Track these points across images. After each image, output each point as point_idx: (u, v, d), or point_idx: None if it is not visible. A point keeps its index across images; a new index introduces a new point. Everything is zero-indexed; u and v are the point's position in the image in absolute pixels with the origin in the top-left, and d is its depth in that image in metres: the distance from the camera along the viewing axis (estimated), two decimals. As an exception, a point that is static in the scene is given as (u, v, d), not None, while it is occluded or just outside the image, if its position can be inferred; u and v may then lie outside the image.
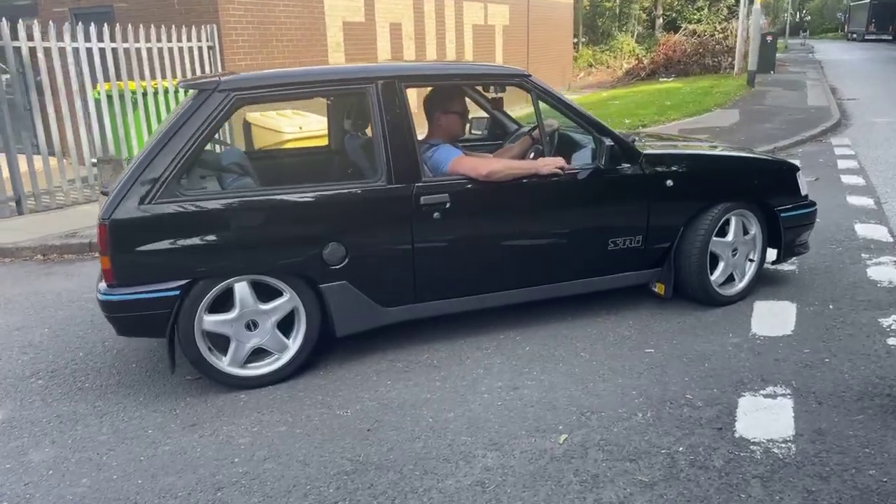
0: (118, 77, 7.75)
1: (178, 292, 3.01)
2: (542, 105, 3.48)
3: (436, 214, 3.28)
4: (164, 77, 8.25)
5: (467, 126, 3.67)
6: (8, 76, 7.11)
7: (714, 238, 3.77)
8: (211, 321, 3.10)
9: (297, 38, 10.15)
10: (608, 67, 24.50)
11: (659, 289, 3.85)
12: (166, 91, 8.26)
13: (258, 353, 3.25)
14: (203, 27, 8.81)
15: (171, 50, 8.43)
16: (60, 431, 2.95)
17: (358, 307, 3.29)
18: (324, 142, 4.74)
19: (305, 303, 3.20)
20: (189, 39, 8.69)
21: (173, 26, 8.40)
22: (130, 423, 2.99)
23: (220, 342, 3.18)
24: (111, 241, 2.94)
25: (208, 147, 4.29)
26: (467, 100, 4.08)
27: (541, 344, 3.55)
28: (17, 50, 6.92)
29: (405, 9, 12.39)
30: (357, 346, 3.56)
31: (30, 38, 6.93)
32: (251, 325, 3.17)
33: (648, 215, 3.66)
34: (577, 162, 3.66)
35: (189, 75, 8.45)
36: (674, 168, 3.70)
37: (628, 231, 3.66)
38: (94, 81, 7.58)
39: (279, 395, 3.16)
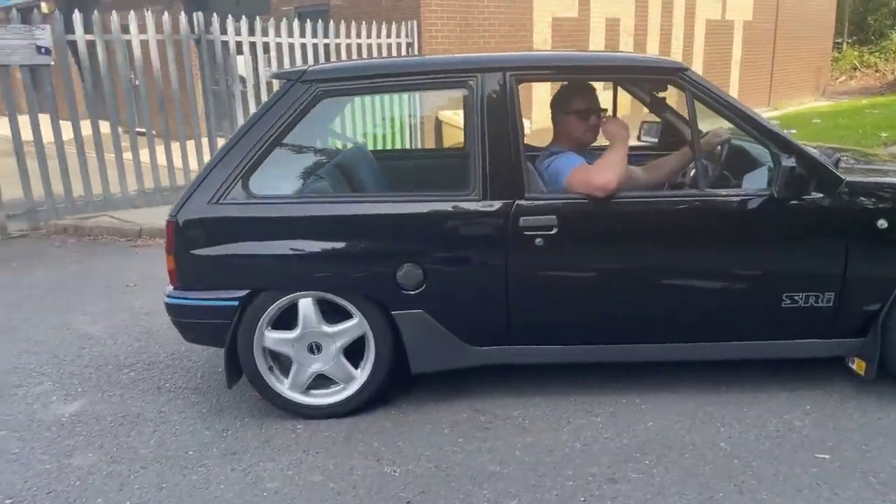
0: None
1: (236, 303, 2.71)
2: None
3: (538, 240, 2.62)
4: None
5: (593, 131, 2.93)
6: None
7: None
8: (272, 338, 2.76)
9: (500, 35, 9.75)
10: (877, 71, 20.98)
11: (858, 366, 2.80)
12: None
13: (325, 380, 2.85)
14: (404, 23, 8.75)
15: (370, 46, 8.49)
16: (114, 436, 2.80)
17: (437, 342, 2.75)
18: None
19: (375, 330, 2.74)
20: (389, 36, 8.69)
21: (374, 22, 8.44)
22: (178, 437, 2.76)
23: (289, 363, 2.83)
24: (175, 241, 2.72)
25: (333, 144, 4.02)
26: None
27: (671, 420, 2.73)
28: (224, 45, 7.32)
29: (625, 1, 11.43)
30: (444, 386, 3.01)
31: (237, 32, 7.31)
32: (314, 348, 2.77)
33: (846, 266, 2.65)
34: (749, 185, 2.77)
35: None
36: (891, 204, 2.65)
37: (814, 285, 2.69)
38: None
39: (336, 432, 2.74)
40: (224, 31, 7.26)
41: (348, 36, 8.23)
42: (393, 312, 2.71)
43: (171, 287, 2.81)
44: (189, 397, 3.09)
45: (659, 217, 2.67)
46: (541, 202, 2.65)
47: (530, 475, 2.41)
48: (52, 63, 6.22)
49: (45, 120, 6.08)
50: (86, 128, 6.48)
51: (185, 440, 2.74)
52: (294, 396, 2.82)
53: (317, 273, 2.69)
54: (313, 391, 2.85)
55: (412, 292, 2.68)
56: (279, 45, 7.69)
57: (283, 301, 2.72)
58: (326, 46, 8.06)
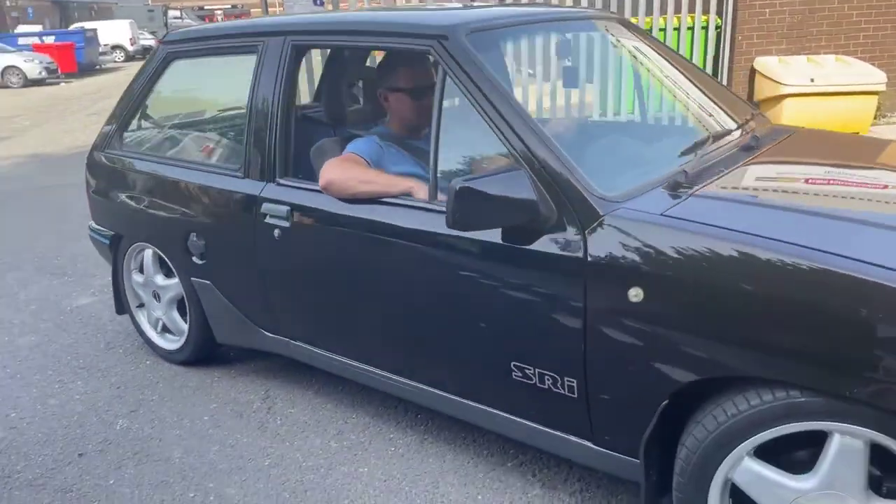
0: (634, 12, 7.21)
1: (108, 242, 3.09)
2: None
3: (276, 232, 2.34)
4: (664, 13, 7.25)
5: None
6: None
7: (747, 462, 1.53)
8: (134, 279, 3.09)
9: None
10: None
11: (648, 502, 1.82)
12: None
13: (177, 326, 3.07)
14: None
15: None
16: (67, 331, 3.49)
17: (229, 317, 2.71)
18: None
19: (187, 292, 2.83)
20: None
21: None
22: (80, 345, 3.31)
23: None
24: (86, 182, 3.20)
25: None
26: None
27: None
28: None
29: None
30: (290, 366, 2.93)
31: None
32: (157, 296, 3.00)
33: (585, 346, 1.72)
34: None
35: (696, 11, 7.31)
36: (655, 265, 1.58)
37: (546, 361, 1.82)
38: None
39: (158, 377, 2.95)
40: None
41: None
42: (192, 279, 2.75)
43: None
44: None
45: (371, 227, 2.11)
46: (282, 189, 2.34)
47: (189, 472, 2.30)
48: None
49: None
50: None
51: (84, 348, 3.27)
52: (150, 334, 3.12)
53: (148, 228, 2.89)
54: (167, 335, 3.09)
55: (200, 262, 2.68)
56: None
57: (135, 248, 3.00)
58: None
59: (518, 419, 1.98)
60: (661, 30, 7.39)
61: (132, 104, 2.95)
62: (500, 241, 1.81)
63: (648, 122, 2.70)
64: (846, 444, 1.42)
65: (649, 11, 7.35)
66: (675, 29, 7.40)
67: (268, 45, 2.40)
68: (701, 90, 2.56)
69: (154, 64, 2.86)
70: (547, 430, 1.92)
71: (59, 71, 20.21)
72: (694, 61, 7.44)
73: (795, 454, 1.52)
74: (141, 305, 3.15)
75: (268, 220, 2.35)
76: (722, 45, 7.62)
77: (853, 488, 1.44)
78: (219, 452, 2.40)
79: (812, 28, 7.81)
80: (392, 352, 2.24)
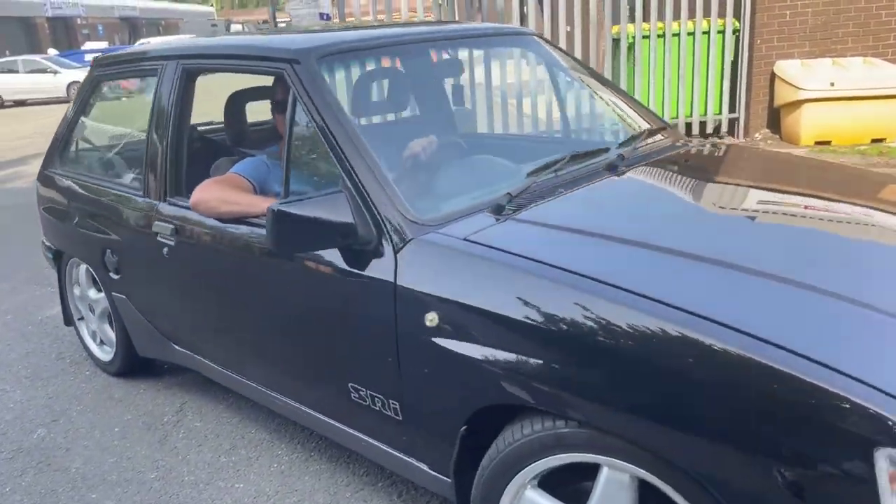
0: (646, 17, 7.05)
1: (52, 256, 3.23)
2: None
3: (165, 249, 2.40)
4: (677, 18, 7.03)
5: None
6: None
7: (529, 492, 1.50)
8: (75, 293, 3.22)
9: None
10: None
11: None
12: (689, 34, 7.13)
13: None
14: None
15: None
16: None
17: (144, 331, 2.79)
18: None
19: (111, 305, 2.93)
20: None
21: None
22: (31, 355, 3.47)
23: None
24: (36, 196, 3.35)
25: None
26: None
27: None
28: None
29: None
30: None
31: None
32: (92, 309, 3.12)
33: (400, 370, 1.70)
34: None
35: (711, 14, 7.08)
36: (454, 290, 1.55)
37: (373, 384, 1.81)
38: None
39: (94, 386, 3.06)
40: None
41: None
42: (112, 293, 2.85)
43: (49, 235, 3.46)
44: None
45: (234, 246, 2.15)
46: (171, 208, 2.40)
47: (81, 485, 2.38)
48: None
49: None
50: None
51: (37, 358, 3.42)
52: (91, 345, 3.23)
53: (78, 245, 3.00)
54: (104, 346, 3.20)
55: (116, 277, 2.77)
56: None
57: (72, 263, 3.13)
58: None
59: (367, 438, 1.97)
60: (674, 35, 7.19)
61: (69, 123, 3.08)
62: (334, 263, 1.82)
63: (525, 140, 2.66)
64: (612, 478, 1.37)
65: (661, 17, 7.18)
66: (689, 34, 7.19)
67: (165, 68, 2.48)
68: (607, 105, 2.51)
69: (86, 86, 2.98)
70: (391, 451, 1.91)
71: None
72: (710, 67, 7.24)
73: (581, 485, 1.47)
74: (82, 318, 3.27)
75: (159, 238, 2.42)
76: (740, 50, 7.37)
77: (623, 524, 1.38)
78: (114, 464, 2.48)
79: (837, 29, 7.48)
80: (263, 367, 2.27)
